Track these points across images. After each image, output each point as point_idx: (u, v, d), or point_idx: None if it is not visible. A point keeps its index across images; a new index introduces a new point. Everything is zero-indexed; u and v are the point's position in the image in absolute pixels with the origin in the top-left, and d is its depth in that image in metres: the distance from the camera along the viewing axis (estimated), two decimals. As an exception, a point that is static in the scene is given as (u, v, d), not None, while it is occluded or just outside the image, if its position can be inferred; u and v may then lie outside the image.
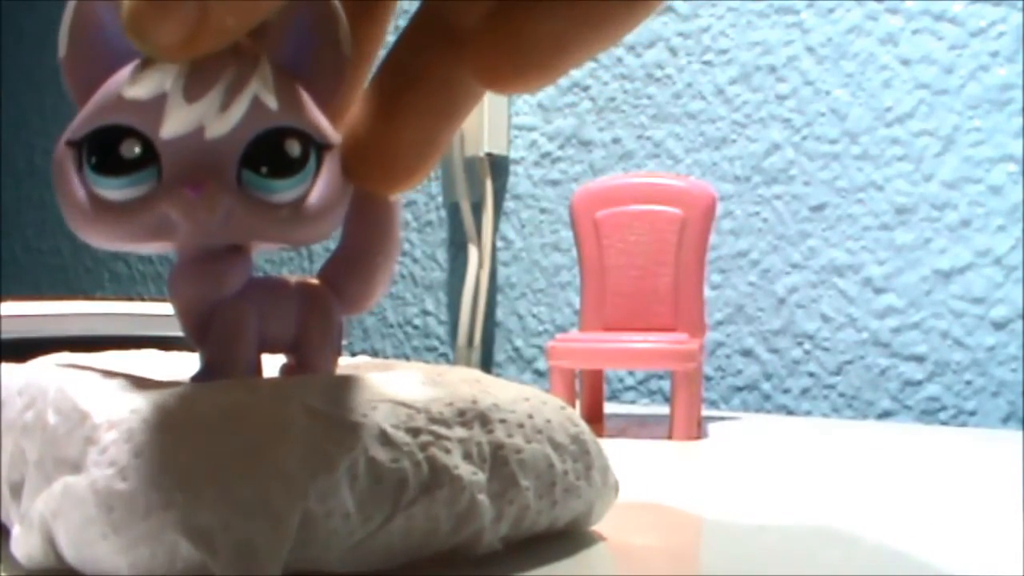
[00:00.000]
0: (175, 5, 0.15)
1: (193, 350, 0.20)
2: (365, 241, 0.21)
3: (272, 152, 0.18)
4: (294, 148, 0.19)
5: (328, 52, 0.19)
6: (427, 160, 0.19)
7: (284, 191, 0.19)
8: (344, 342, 0.21)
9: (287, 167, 0.19)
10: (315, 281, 0.21)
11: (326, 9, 0.19)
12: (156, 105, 0.18)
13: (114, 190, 0.18)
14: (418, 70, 0.18)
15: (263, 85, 0.18)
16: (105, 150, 0.18)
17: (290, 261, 0.81)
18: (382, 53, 0.20)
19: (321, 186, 0.19)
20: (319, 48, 0.19)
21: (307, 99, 0.19)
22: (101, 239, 0.18)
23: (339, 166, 0.19)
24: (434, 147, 0.19)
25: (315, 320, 0.20)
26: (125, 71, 0.18)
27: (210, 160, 0.18)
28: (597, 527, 0.22)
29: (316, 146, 0.19)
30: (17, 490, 0.17)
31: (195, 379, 0.19)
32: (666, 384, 0.64)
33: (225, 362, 0.19)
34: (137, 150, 0.18)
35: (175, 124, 0.18)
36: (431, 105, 0.18)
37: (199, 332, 0.19)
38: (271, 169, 0.18)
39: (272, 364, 0.21)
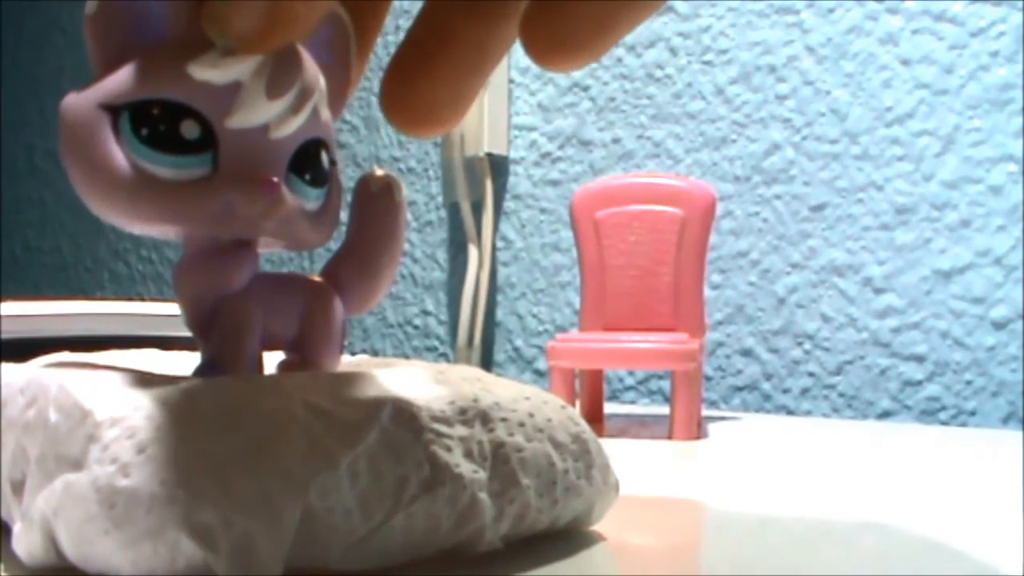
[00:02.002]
0: None
1: (194, 349, 0.20)
2: (369, 240, 0.21)
3: (312, 160, 0.19)
4: (326, 160, 0.20)
5: (338, 70, 0.20)
6: (460, 109, 0.20)
7: (315, 199, 0.20)
8: (345, 342, 0.21)
9: (324, 176, 0.20)
10: (319, 279, 0.21)
11: (342, 28, 0.20)
12: (229, 93, 0.17)
13: (168, 168, 0.17)
14: (450, 28, 0.19)
15: (322, 96, 0.19)
16: (159, 125, 0.17)
17: (290, 261, 0.81)
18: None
19: (330, 197, 0.20)
20: (331, 65, 0.20)
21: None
22: (139, 215, 0.18)
23: (339, 180, 0.20)
24: (467, 97, 0.20)
25: (319, 317, 0.20)
26: (180, 48, 0.17)
27: (267, 158, 0.18)
28: (597, 527, 0.22)
29: (330, 160, 0.20)
30: (18, 488, 0.17)
31: (198, 373, 0.19)
32: (666, 384, 0.64)
33: (228, 357, 0.19)
34: (198, 132, 0.18)
35: (248, 116, 0.18)
36: (463, 61, 0.19)
37: (203, 326, 0.20)
38: (313, 177, 0.19)
39: (271, 360, 0.21)
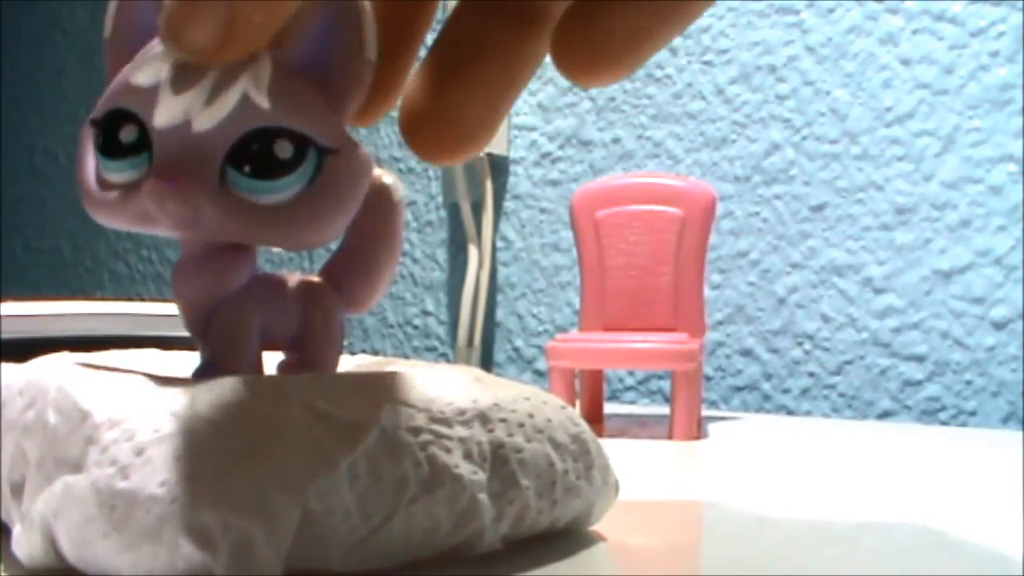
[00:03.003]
0: (205, 6, 0.16)
1: (194, 349, 0.20)
2: (368, 240, 0.21)
3: (260, 152, 0.18)
4: (285, 150, 0.18)
5: (349, 54, 0.19)
6: (490, 128, 0.19)
7: (269, 193, 0.18)
8: (344, 342, 0.21)
9: (274, 168, 0.18)
10: (318, 279, 0.21)
11: (351, 10, 0.18)
12: (153, 93, 0.18)
13: (113, 172, 0.18)
14: (481, 40, 0.18)
15: (255, 84, 0.18)
16: (110, 132, 0.18)
17: (290, 261, 0.81)
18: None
19: (320, 191, 0.19)
20: (340, 49, 0.19)
21: (317, 101, 0.19)
22: (102, 219, 0.19)
23: (351, 171, 0.19)
24: (498, 114, 0.19)
25: (317, 318, 0.20)
26: (137, 56, 0.18)
27: (195, 154, 0.18)
28: (597, 527, 0.22)
29: (319, 150, 0.18)
30: (18, 490, 0.17)
31: (197, 374, 0.19)
32: (666, 384, 0.64)
33: (226, 359, 0.19)
34: (134, 135, 0.18)
35: (164, 114, 0.18)
36: (495, 74, 0.18)
37: (201, 328, 0.20)
38: (254, 169, 0.18)
39: (271, 360, 0.21)
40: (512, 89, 0.19)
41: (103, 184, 0.18)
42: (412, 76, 0.18)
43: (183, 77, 0.18)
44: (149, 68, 0.18)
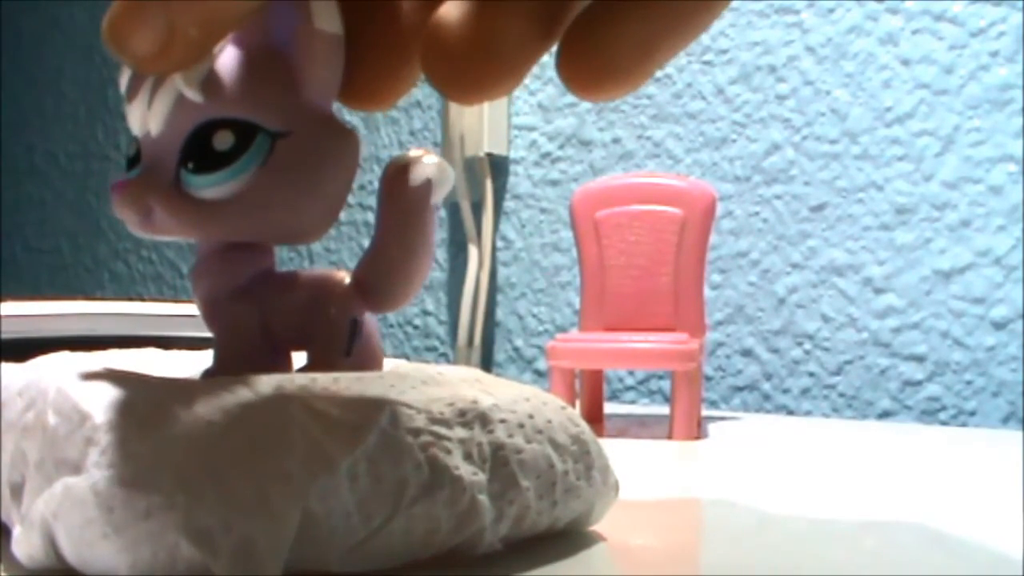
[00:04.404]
0: (144, 15, 0.16)
1: (194, 349, 0.20)
2: (388, 230, 0.20)
3: (199, 147, 0.18)
4: (224, 141, 0.18)
5: (299, 28, 0.18)
6: (646, 67, 0.17)
7: (212, 185, 0.18)
8: (374, 342, 0.21)
9: (213, 161, 0.18)
10: (336, 275, 0.20)
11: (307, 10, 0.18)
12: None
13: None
14: None
15: (185, 80, 0.18)
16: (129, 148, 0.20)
17: (290, 261, 0.81)
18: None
19: (272, 177, 0.18)
20: (290, 24, 0.18)
21: (272, 84, 0.18)
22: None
23: (310, 151, 0.18)
24: (652, 57, 0.17)
25: (317, 315, 0.20)
26: None
27: (158, 158, 0.18)
28: (597, 527, 0.22)
29: (269, 134, 0.18)
30: (18, 491, 0.17)
31: (207, 373, 0.19)
32: (666, 384, 0.64)
33: (226, 357, 0.19)
34: (134, 148, 0.19)
35: (132, 124, 0.19)
36: (648, 14, 0.16)
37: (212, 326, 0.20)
38: (196, 165, 0.18)
39: (299, 360, 0.20)
40: (666, 29, 0.16)
41: None
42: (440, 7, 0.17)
43: (132, 87, 0.18)
44: (122, 81, 0.19)
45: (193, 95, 0.18)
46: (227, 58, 0.18)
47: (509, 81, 0.17)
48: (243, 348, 0.20)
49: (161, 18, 0.16)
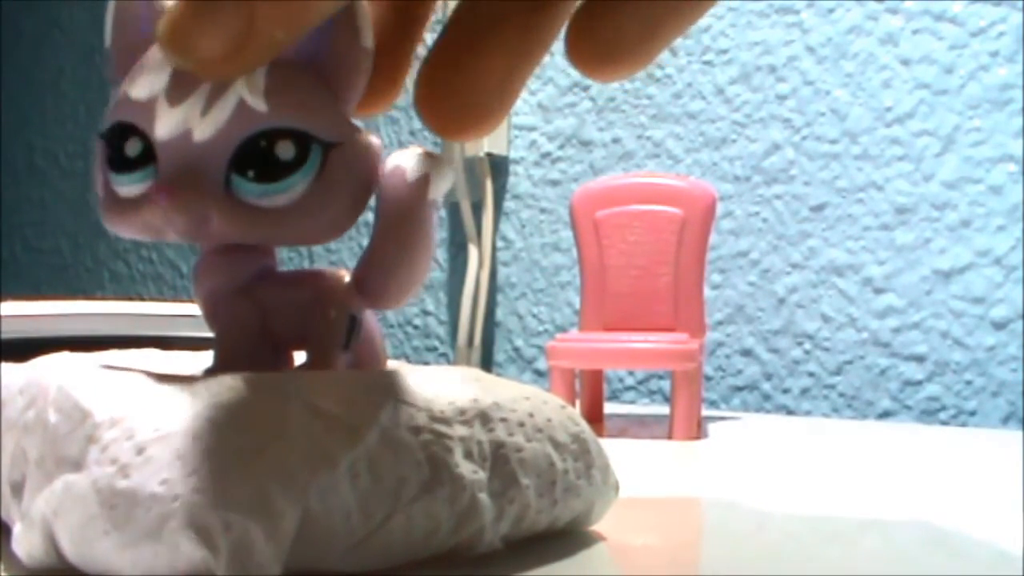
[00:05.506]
0: (218, 13, 0.15)
1: (194, 349, 0.20)
2: (383, 227, 0.20)
3: (262, 155, 0.18)
4: (287, 150, 0.18)
5: (347, 44, 0.18)
6: (505, 103, 0.18)
7: (275, 194, 0.18)
8: (377, 339, 0.21)
9: (278, 170, 0.18)
10: (336, 274, 0.20)
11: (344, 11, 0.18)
12: (152, 106, 0.18)
13: (122, 186, 0.19)
14: (497, 14, 0.18)
15: (249, 87, 0.18)
16: (117, 146, 0.18)
17: (290, 261, 0.81)
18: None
19: (326, 185, 0.19)
20: (338, 40, 0.18)
21: (318, 95, 0.18)
22: (117, 230, 0.19)
23: (356, 161, 0.19)
24: (513, 89, 0.18)
25: (319, 314, 0.20)
26: (133, 68, 0.18)
27: (198, 163, 0.18)
28: (597, 527, 0.22)
29: (322, 144, 0.18)
30: (18, 489, 0.17)
31: (208, 372, 0.19)
32: (666, 384, 0.64)
33: (227, 356, 0.19)
34: (139, 149, 0.18)
35: (163, 127, 0.18)
36: (510, 49, 0.18)
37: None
38: (258, 173, 0.18)
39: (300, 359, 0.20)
40: (527, 64, 0.18)
41: (111, 198, 0.19)
42: (429, 52, 0.18)
43: (177, 88, 0.18)
44: (145, 80, 0.18)
45: (258, 103, 0.18)
46: (278, 67, 0.18)
47: (495, 120, 0.18)
48: (244, 346, 0.20)
49: (239, 19, 0.15)
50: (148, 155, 0.18)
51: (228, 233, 0.18)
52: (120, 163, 0.18)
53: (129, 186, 0.18)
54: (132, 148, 0.18)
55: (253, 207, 0.18)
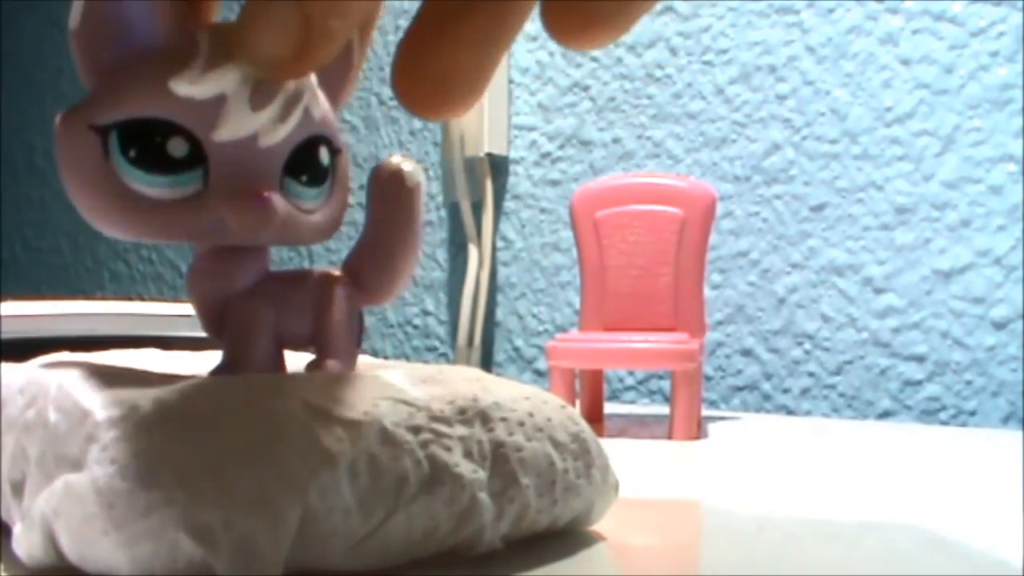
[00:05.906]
0: (273, 14, 0.15)
1: (194, 349, 0.20)
2: (383, 228, 0.21)
3: (308, 160, 0.19)
4: (325, 156, 0.19)
5: (349, 54, 0.20)
6: (479, 84, 0.18)
7: (315, 198, 0.19)
8: (362, 335, 0.21)
9: (321, 174, 0.19)
10: (335, 273, 0.21)
11: None
12: (213, 107, 0.17)
13: (160, 188, 0.17)
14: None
15: (312, 96, 0.18)
16: (147, 144, 0.17)
17: (290, 260, 0.81)
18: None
19: (336, 189, 0.20)
20: (354, 58, 0.20)
21: (328, 103, 0.19)
22: (130, 233, 0.18)
23: (346, 167, 0.20)
24: (486, 71, 0.18)
25: (331, 313, 0.20)
26: (161, 62, 0.17)
27: (258, 167, 0.18)
28: (597, 527, 0.22)
29: (332, 150, 0.19)
30: (18, 488, 0.17)
31: (214, 373, 0.19)
32: (666, 384, 0.64)
33: (240, 357, 0.19)
34: (185, 150, 0.17)
35: (233, 128, 0.17)
36: (483, 31, 0.18)
37: (216, 327, 0.20)
38: (309, 177, 0.19)
39: (301, 361, 0.20)
40: (499, 46, 0.18)
41: (133, 199, 0.17)
42: (403, 37, 0.18)
43: (261, 93, 0.17)
44: (208, 81, 0.17)
45: (315, 110, 0.19)
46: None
47: (469, 101, 0.18)
48: (258, 347, 0.20)
49: (293, 14, 0.15)
50: (195, 157, 0.17)
51: (279, 235, 0.19)
52: (155, 162, 0.17)
53: (171, 188, 0.17)
54: (177, 148, 0.17)
55: (298, 209, 0.19)
